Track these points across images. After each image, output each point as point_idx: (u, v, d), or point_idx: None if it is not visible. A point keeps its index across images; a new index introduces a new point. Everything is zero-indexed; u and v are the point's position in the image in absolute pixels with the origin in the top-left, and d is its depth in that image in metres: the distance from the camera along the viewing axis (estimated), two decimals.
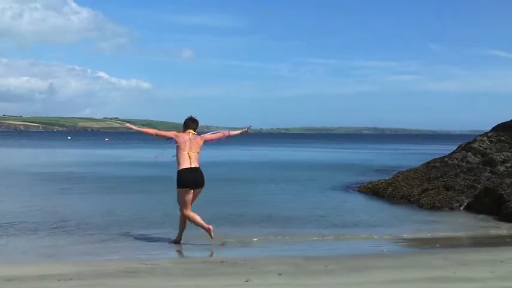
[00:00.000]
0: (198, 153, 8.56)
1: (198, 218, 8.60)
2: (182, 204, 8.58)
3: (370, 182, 17.47)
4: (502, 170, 14.32)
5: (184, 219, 8.67)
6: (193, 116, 8.93)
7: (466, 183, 13.75)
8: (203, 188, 8.66)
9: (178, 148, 8.51)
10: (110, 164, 29.40)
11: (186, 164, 8.41)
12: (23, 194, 15.35)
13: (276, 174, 24.23)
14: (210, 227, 8.63)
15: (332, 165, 30.71)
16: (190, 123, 8.77)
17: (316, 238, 9.58)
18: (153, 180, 19.63)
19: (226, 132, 9.01)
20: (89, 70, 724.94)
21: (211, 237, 8.61)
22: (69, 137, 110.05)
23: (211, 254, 8.29)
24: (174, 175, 8.58)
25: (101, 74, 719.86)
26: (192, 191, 8.52)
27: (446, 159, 16.70)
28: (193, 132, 8.70)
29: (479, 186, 13.35)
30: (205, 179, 8.63)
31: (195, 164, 8.49)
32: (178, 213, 8.74)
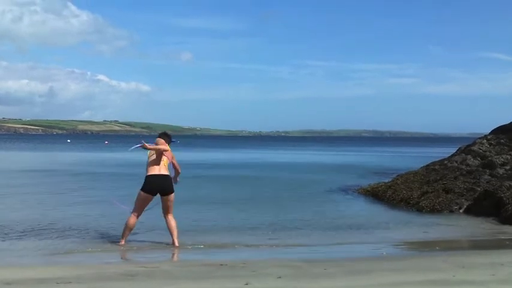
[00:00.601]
0: (167, 163, 8.79)
1: (129, 229, 8.81)
2: (136, 207, 8.74)
3: (370, 185, 17.48)
4: (501, 173, 14.32)
5: (132, 223, 8.80)
6: (167, 131, 9.60)
7: (465, 186, 13.74)
8: (172, 195, 8.74)
9: (151, 155, 8.72)
10: (109, 166, 29.40)
11: (155, 171, 8.61)
12: (22, 197, 15.32)
13: (276, 176, 24.21)
14: (122, 243, 8.78)
15: (332, 167, 30.71)
16: (164, 137, 9.09)
17: (316, 241, 9.57)
18: None
19: (177, 171, 9.13)
20: (89, 73, 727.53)
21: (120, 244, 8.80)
22: (68, 140, 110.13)
23: (211, 257, 8.27)
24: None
25: (101, 76, 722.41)
26: (151, 197, 8.70)
27: (445, 162, 16.70)
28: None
29: (479, 189, 13.34)
30: (173, 186, 8.78)
31: (164, 172, 8.67)
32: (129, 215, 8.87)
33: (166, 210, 8.80)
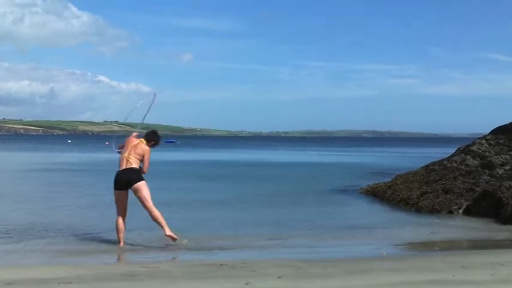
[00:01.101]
0: (138, 159, 8.67)
1: (120, 230, 8.69)
2: (116, 207, 8.73)
3: (369, 185, 17.49)
4: (500, 173, 14.32)
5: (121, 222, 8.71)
6: (156, 131, 9.27)
7: (465, 186, 13.74)
8: (138, 185, 8.54)
9: (122, 152, 8.73)
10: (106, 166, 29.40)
11: (122, 166, 8.62)
12: (23, 197, 15.33)
13: (276, 176, 24.23)
14: (121, 245, 8.67)
15: (331, 168, 30.72)
16: (149, 134, 9.02)
17: (315, 241, 9.59)
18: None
19: (142, 169, 8.87)
20: (89, 74, 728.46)
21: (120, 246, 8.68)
22: (69, 141, 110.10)
23: (211, 257, 8.29)
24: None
25: (101, 77, 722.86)
26: (123, 193, 8.62)
27: (445, 162, 16.71)
28: (144, 141, 8.85)
29: (478, 189, 13.34)
30: (141, 177, 8.61)
31: (130, 165, 8.59)
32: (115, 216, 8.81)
33: (142, 203, 8.64)
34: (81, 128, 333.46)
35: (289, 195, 16.73)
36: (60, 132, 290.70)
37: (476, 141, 17.08)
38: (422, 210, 13.20)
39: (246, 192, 17.34)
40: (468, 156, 16.11)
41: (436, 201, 13.36)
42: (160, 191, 16.22)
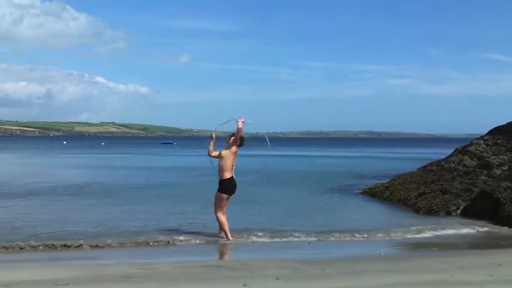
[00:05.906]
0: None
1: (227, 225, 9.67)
2: (221, 207, 9.61)
3: (367, 186, 17.50)
4: (498, 173, 14.33)
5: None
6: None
7: (462, 187, 13.75)
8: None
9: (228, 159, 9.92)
10: (104, 167, 29.36)
11: (232, 174, 9.93)
12: (18, 199, 15.28)
13: (272, 177, 24.18)
14: (230, 238, 9.50)
15: (329, 168, 30.71)
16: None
17: (314, 241, 9.58)
18: (144, 182, 19.62)
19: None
20: (87, 75, 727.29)
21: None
22: (64, 142, 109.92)
23: (209, 258, 8.27)
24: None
25: (99, 78, 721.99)
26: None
27: (442, 162, 16.72)
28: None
29: (476, 189, 13.35)
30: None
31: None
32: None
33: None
34: (77, 129, 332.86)
35: (287, 197, 16.71)
36: (57, 134, 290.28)
37: (473, 142, 17.09)
38: (420, 211, 13.20)
39: (242, 193, 17.26)
40: (466, 157, 16.11)
41: (434, 201, 13.37)
42: (152, 195, 16.14)
